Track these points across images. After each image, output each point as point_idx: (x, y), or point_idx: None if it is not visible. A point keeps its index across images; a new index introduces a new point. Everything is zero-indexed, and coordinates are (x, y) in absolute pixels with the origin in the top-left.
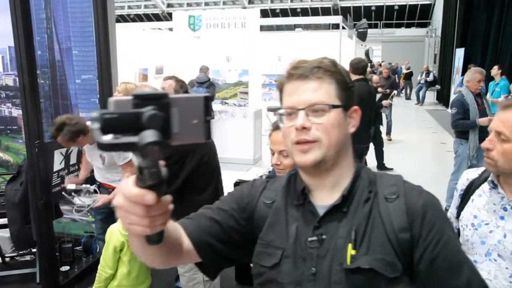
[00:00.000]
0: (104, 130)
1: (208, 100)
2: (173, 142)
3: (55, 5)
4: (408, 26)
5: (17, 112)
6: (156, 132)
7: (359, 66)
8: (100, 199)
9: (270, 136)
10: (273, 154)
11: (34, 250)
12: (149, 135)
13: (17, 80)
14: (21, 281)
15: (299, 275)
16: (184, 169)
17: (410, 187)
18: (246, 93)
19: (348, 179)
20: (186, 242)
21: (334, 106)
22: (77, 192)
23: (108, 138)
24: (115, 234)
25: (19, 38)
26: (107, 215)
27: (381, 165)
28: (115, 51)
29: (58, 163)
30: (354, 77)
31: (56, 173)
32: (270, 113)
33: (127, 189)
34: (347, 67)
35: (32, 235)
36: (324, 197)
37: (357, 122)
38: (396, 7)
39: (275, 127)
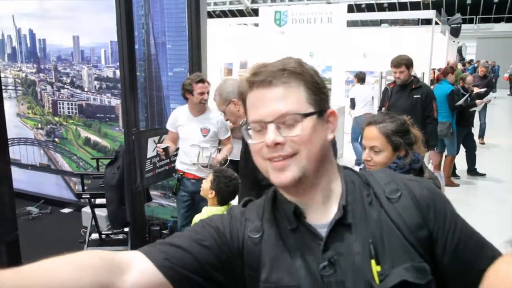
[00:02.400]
0: None
1: None
2: None
3: (152, 2)
4: (509, 20)
5: (115, 102)
6: None
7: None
8: (215, 160)
9: (363, 131)
10: (364, 149)
11: (126, 229)
12: None
13: (117, 72)
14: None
15: None
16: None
17: (408, 180)
18: (329, 89)
19: (339, 187)
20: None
21: (307, 115)
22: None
23: None
24: None
25: (122, 33)
26: (189, 208)
27: (472, 170)
28: (206, 45)
29: (151, 150)
30: None
31: (149, 160)
32: (353, 110)
33: None
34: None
35: (126, 216)
36: (319, 214)
37: (336, 126)
38: (496, 0)
39: (368, 123)
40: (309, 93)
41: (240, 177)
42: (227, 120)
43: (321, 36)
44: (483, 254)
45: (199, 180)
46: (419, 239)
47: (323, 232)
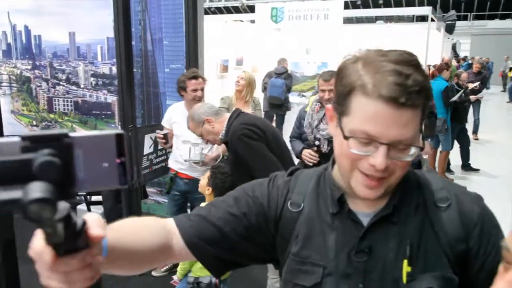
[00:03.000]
0: None
1: (121, 138)
2: (78, 189)
3: None
4: (503, 17)
5: (111, 99)
6: (47, 186)
7: None
8: (207, 157)
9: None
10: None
11: None
12: (35, 190)
13: (113, 68)
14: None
15: None
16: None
17: (461, 192)
18: None
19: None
20: (179, 245)
21: (420, 147)
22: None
23: None
24: None
25: (119, 30)
26: (180, 207)
27: (466, 166)
28: (203, 42)
29: (148, 147)
30: None
31: (146, 157)
32: None
33: (32, 242)
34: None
35: (122, 213)
36: (367, 203)
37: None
38: None
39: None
40: (422, 117)
41: (235, 181)
42: (207, 142)
43: (317, 32)
44: None
45: (192, 180)
46: (455, 251)
47: (365, 220)
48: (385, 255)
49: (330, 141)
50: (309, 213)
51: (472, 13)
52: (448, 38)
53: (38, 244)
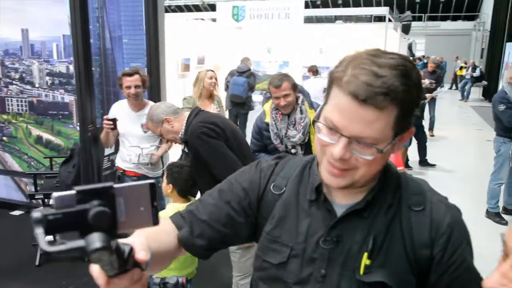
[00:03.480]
0: (48, 231)
1: (154, 187)
2: (119, 230)
3: None
4: (455, 19)
5: (69, 98)
6: (103, 236)
7: None
8: (154, 156)
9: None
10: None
11: None
12: (95, 240)
13: (70, 67)
14: (72, 259)
15: (307, 275)
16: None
17: (438, 200)
18: None
19: (373, 182)
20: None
21: (385, 148)
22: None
23: (53, 247)
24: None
25: (76, 27)
26: None
27: (423, 161)
28: (164, 40)
29: (108, 147)
30: None
31: (107, 157)
32: None
33: (91, 267)
34: None
35: None
36: (344, 195)
37: (407, 140)
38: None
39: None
40: (399, 117)
41: (197, 179)
42: (167, 142)
43: (278, 31)
44: None
45: (140, 178)
46: (418, 256)
47: (339, 211)
48: (350, 246)
49: (302, 144)
50: (288, 197)
51: (426, 14)
52: (404, 38)
53: (94, 271)
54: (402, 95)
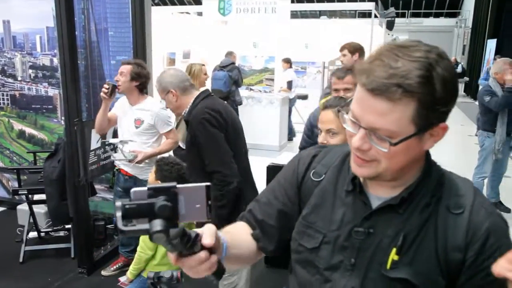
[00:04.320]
0: (125, 217)
1: (209, 188)
2: (180, 221)
3: None
4: (437, 15)
5: (53, 92)
6: (163, 222)
7: None
8: (140, 154)
9: (319, 115)
10: (320, 133)
11: (68, 226)
12: (156, 225)
13: (54, 60)
14: (57, 255)
15: (337, 262)
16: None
17: (480, 203)
18: (272, 79)
19: (413, 178)
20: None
21: (400, 141)
22: (122, 143)
23: (127, 228)
24: None
25: (61, 17)
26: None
27: None
28: (150, 32)
29: (95, 141)
30: None
31: (93, 152)
32: (297, 100)
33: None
34: None
35: (68, 212)
36: (382, 190)
37: (441, 137)
38: None
39: (324, 107)
40: (420, 112)
41: (187, 165)
42: (167, 108)
43: (264, 26)
44: None
45: (132, 178)
46: (449, 259)
47: (375, 204)
48: (381, 239)
49: None
50: (326, 185)
51: (409, 11)
52: (388, 34)
53: (169, 253)
54: (420, 88)
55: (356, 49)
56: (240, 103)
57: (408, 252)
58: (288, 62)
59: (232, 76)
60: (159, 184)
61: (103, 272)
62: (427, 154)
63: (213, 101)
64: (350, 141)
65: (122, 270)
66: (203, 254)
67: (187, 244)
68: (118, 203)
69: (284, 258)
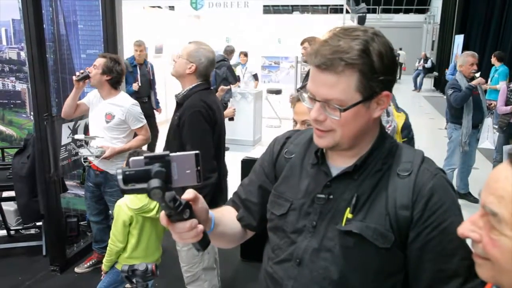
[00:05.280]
0: (125, 181)
1: (198, 156)
2: (174, 185)
3: None
4: (406, 12)
5: (20, 86)
6: (160, 180)
7: None
8: (108, 150)
9: (294, 107)
10: (295, 124)
11: (39, 223)
12: (154, 182)
13: (21, 54)
14: (28, 253)
15: (301, 226)
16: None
17: (426, 168)
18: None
19: (367, 147)
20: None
21: (349, 107)
22: (87, 140)
23: (128, 187)
24: (123, 209)
25: (28, 9)
26: (98, 198)
27: None
28: (121, 26)
29: (65, 136)
30: None
31: (64, 147)
32: (270, 95)
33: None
34: None
35: (39, 209)
36: (341, 160)
37: (386, 105)
38: None
39: (298, 99)
40: (362, 81)
41: (165, 146)
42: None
43: (237, 21)
44: (450, 260)
45: (103, 173)
46: (398, 216)
47: (335, 173)
48: (339, 203)
49: None
50: (295, 159)
51: (380, 7)
52: None
53: (161, 215)
54: (359, 60)
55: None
56: (227, 101)
57: (360, 211)
58: (246, 55)
59: (220, 73)
60: (154, 153)
61: (77, 269)
62: (381, 127)
63: (209, 96)
64: (309, 117)
65: (96, 267)
66: (191, 222)
67: (178, 208)
68: (119, 170)
69: (259, 251)
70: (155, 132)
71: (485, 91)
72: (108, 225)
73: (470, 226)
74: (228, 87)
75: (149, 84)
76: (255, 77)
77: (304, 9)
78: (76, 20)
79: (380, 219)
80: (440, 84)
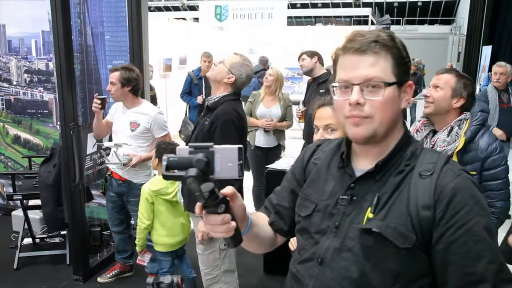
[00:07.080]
0: (167, 167)
1: (240, 150)
2: (215, 177)
3: None
4: (431, 23)
5: (48, 96)
6: (198, 170)
7: None
8: (134, 158)
9: (314, 115)
10: (317, 131)
11: (63, 232)
12: (191, 171)
13: (50, 64)
14: (52, 262)
15: (325, 227)
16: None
17: (449, 168)
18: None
19: (391, 147)
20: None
21: (390, 84)
22: (116, 149)
23: (168, 173)
24: (145, 189)
25: (57, 21)
26: (120, 208)
27: None
28: (147, 37)
29: (91, 146)
30: None
31: (89, 156)
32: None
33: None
34: None
35: (63, 217)
36: (365, 163)
37: (410, 96)
38: (420, 4)
39: (319, 105)
40: (395, 64)
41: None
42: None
43: (260, 32)
44: (477, 263)
45: (126, 182)
46: (420, 216)
47: (359, 175)
48: (361, 204)
49: None
50: (322, 164)
51: (404, 18)
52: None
53: (197, 204)
54: (391, 42)
55: (313, 54)
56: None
57: (381, 211)
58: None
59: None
60: (199, 143)
61: (99, 279)
62: (406, 129)
63: (240, 106)
64: (343, 109)
65: (119, 277)
66: (223, 216)
67: (214, 200)
68: (164, 157)
69: (282, 265)
70: None
71: None
72: (130, 234)
73: None
74: None
75: None
76: None
77: (327, 20)
78: (103, 31)
79: (401, 219)
80: None
